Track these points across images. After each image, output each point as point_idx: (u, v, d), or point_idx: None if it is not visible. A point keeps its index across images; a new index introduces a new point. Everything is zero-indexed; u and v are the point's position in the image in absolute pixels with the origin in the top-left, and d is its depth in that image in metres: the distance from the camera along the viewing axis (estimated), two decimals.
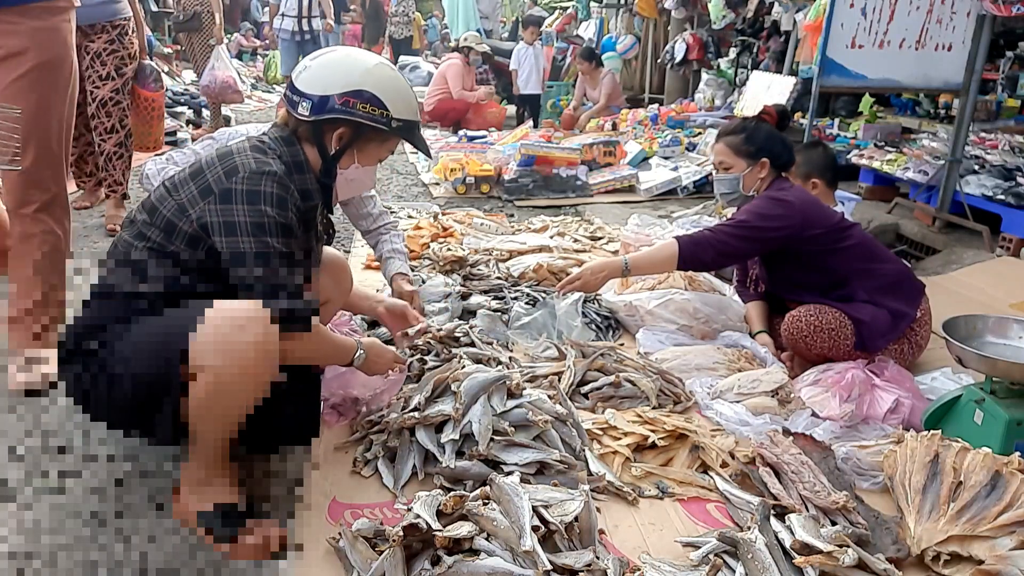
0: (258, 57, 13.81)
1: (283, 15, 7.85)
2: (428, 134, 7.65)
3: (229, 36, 14.03)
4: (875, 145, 5.10)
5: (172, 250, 1.63)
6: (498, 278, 3.28)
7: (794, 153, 2.70)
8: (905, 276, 2.55)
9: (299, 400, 1.86)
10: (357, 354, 1.86)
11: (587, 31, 11.15)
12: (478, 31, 10.71)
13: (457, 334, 2.56)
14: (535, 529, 1.49)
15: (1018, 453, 1.78)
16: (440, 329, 2.56)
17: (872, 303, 2.45)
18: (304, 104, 1.74)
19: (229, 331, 1.49)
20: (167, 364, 1.50)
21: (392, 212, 4.50)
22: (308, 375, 1.92)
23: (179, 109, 8.02)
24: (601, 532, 1.68)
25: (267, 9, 7.94)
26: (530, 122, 8.32)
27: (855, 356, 2.41)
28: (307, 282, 1.66)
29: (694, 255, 2.49)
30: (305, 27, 7.80)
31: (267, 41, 8.96)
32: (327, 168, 1.82)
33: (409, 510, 1.61)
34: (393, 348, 2.10)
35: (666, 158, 6.00)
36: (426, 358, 2.39)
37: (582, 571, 1.46)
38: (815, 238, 2.46)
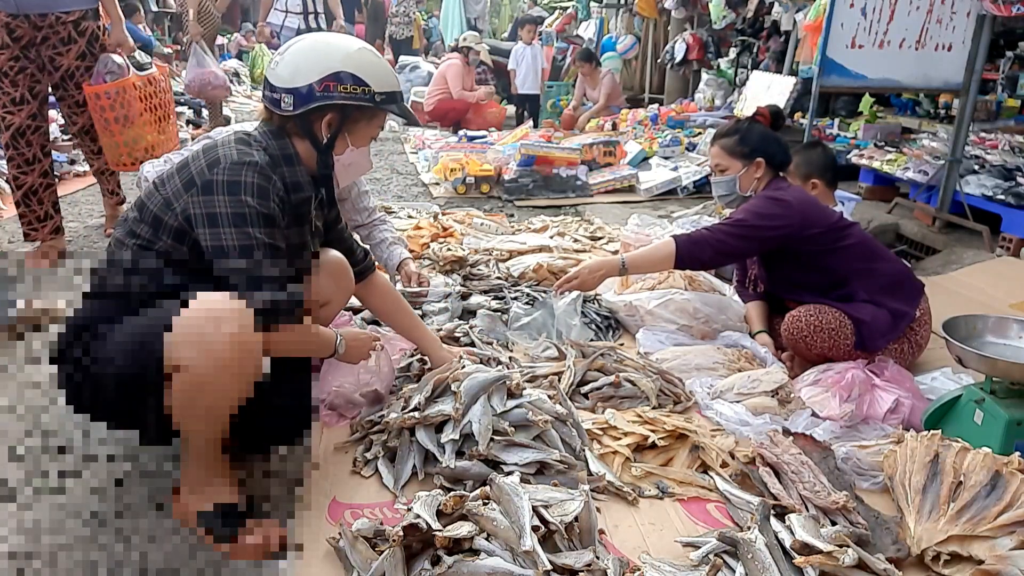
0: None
1: (287, 11, 7.64)
2: (428, 134, 7.65)
3: (229, 36, 14.03)
4: (875, 145, 5.10)
5: (160, 246, 1.63)
6: (498, 278, 3.28)
7: (790, 153, 2.71)
8: (905, 276, 2.55)
9: (288, 392, 1.84)
10: (338, 341, 1.89)
11: (587, 31, 11.15)
12: (478, 31, 10.71)
13: (457, 334, 2.56)
14: (535, 529, 1.49)
15: (1018, 453, 1.78)
16: (440, 329, 2.56)
17: (872, 303, 2.44)
18: (286, 99, 1.73)
19: (205, 325, 1.47)
20: (147, 362, 1.49)
21: (392, 212, 4.51)
22: (295, 366, 1.91)
23: (179, 109, 8.03)
24: (601, 532, 1.68)
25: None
26: (530, 122, 8.32)
27: (855, 356, 2.41)
28: (303, 274, 1.65)
29: (692, 254, 2.49)
30: (312, 24, 7.61)
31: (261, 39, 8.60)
32: (323, 159, 1.82)
33: (409, 510, 1.61)
34: (368, 331, 2.11)
35: (666, 158, 6.00)
36: (426, 357, 2.39)
37: (582, 571, 1.46)
38: (813, 237, 2.46)
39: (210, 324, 1.48)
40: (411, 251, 3.46)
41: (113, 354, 1.55)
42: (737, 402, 2.27)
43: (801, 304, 2.52)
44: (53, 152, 5.20)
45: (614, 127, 7.42)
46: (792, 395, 2.29)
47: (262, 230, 1.60)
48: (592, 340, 2.75)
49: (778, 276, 2.67)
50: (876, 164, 4.87)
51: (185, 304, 1.50)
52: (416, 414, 1.94)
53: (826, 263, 2.50)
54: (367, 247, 2.31)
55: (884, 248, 2.64)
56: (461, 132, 7.54)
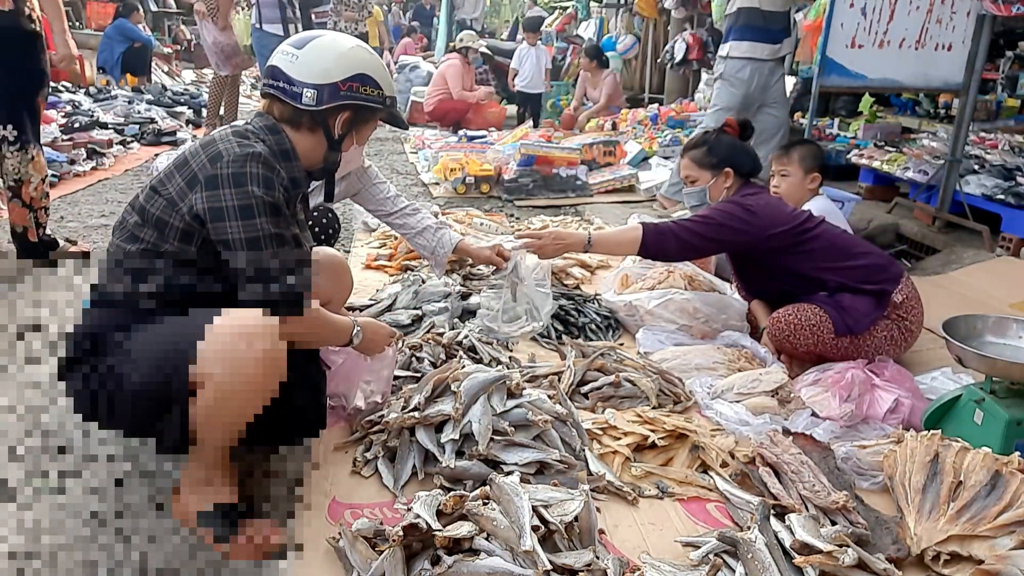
0: None
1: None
2: (428, 134, 7.65)
3: None
4: (875, 145, 5.11)
5: (166, 248, 1.62)
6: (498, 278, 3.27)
7: (759, 161, 2.75)
8: (883, 265, 2.54)
9: (306, 391, 1.86)
10: (355, 331, 1.87)
11: (587, 31, 11.16)
12: (475, 31, 10.68)
13: (460, 339, 2.55)
14: (535, 529, 1.49)
15: (1018, 453, 1.78)
16: (441, 333, 2.55)
17: (850, 291, 2.48)
18: (309, 93, 1.76)
19: (237, 342, 1.48)
20: (172, 374, 1.49)
21: None
22: (311, 366, 1.92)
23: (179, 109, 8.03)
24: (601, 532, 1.68)
25: None
26: (530, 122, 8.31)
27: (842, 346, 2.44)
28: (304, 264, 1.64)
29: (657, 244, 2.54)
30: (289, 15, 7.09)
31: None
32: (333, 154, 1.86)
33: (409, 510, 1.61)
34: (386, 324, 2.13)
35: (666, 158, 6.01)
36: (422, 356, 2.39)
37: (582, 571, 1.46)
38: (777, 236, 2.49)
39: (243, 341, 1.48)
40: (411, 251, 3.45)
41: (134, 365, 1.54)
42: (737, 402, 2.27)
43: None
44: (53, 152, 5.23)
45: (614, 127, 7.42)
46: (792, 395, 2.29)
47: (268, 219, 1.60)
48: (592, 340, 2.75)
49: (753, 287, 2.77)
50: (876, 164, 4.88)
51: (214, 318, 1.49)
52: (416, 414, 1.94)
53: (794, 268, 2.53)
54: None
55: (860, 242, 2.63)
56: (461, 132, 7.54)
